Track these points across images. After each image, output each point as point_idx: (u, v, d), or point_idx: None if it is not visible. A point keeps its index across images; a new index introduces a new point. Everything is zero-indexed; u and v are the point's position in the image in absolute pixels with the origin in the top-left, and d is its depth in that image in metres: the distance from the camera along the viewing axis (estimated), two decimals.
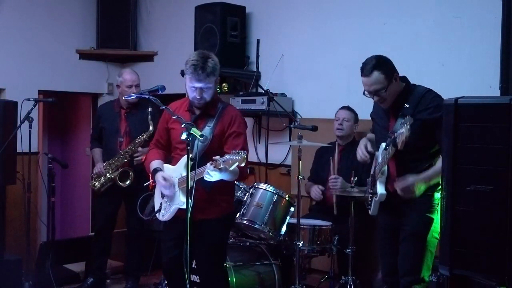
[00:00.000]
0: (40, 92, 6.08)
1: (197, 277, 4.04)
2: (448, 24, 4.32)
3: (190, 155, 3.36)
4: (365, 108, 3.79)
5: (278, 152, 5.30)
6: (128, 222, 5.06)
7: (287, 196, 4.29)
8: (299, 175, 4.05)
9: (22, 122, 4.51)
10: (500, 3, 3.76)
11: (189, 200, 3.13)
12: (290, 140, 5.07)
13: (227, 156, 3.12)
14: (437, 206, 3.31)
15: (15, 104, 4.78)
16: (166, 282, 4.14)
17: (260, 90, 5.22)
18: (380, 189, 3.34)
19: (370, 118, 3.68)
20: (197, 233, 3.27)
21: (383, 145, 3.34)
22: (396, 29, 4.54)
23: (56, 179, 4.75)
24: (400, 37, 4.51)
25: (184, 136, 3.18)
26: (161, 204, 3.61)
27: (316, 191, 4.54)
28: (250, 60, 5.53)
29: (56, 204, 4.69)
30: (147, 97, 3.45)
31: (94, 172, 4.96)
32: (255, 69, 5.43)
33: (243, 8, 5.52)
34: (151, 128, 4.68)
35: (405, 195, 3.23)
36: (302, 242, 4.09)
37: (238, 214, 4.28)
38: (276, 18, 5.43)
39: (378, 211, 3.42)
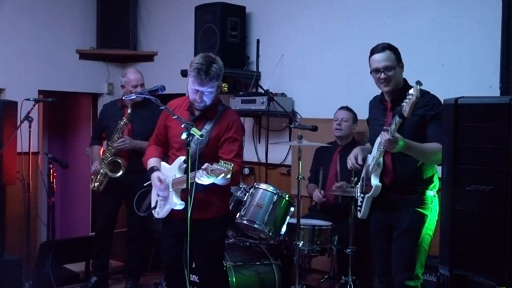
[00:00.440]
0: (40, 92, 6.08)
1: (197, 276, 4.05)
2: (448, 24, 4.32)
3: (184, 158, 3.40)
4: (364, 108, 3.79)
5: (278, 152, 5.31)
6: (129, 222, 5.05)
7: (287, 196, 4.29)
8: (299, 175, 4.05)
9: (22, 122, 4.51)
10: (500, 3, 3.76)
11: (189, 200, 3.13)
12: (290, 140, 5.07)
13: (215, 166, 3.12)
14: (431, 204, 3.33)
15: (15, 104, 4.79)
16: (166, 282, 4.14)
17: (260, 90, 5.22)
18: (375, 180, 3.32)
19: None
20: (194, 233, 3.27)
21: (379, 139, 3.34)
22: (396, 29, 4.54)
23: (56, 179, 4.76)
24: (400, 37, 4.50)
25: (184, 136, 3.18)
26: (157, 201, 3.63)
27: (317, 195, 4.53)
28: (250, 60, 5.53)
29: (56, 204, 4.70)
30: (147, 97, 3.46)
31: (91, 171, 4.97)
32: (255, 69, 5.43)
33: (243, 8, 5.52)
34: (129, 111, 4.70)
35: (387, 146, 3.14)
36: (302, 242, 4.09)
37: (238, 214, 4.28)
38: (276, 18, 5.43)
39: (370, 211, 3.42)
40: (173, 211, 3.51)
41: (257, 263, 4.37)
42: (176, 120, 3.35)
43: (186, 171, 3.32)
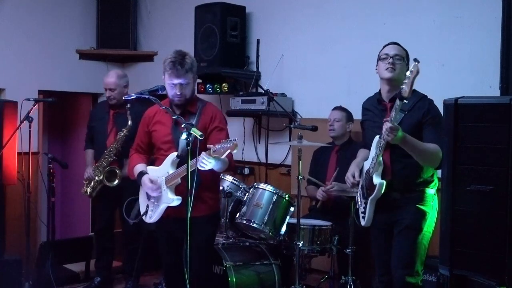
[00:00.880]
0: (40, 92, 6.08)
1: None
2: (448, 24, 4.32)
3: (177, 153, 3.46)
4: None
5: (278, 152, 5.30)
6: (123, 223, 5.07)
7: (287, 196, 4.29)
8: (299, 175, 4.05)
9: (22, 122, 4.51)
10: (500, 3, 3.76)
11: (189, 200, 3.13)
12: (290, 140, 5.07)
13: (217, 146, 3.15)
14: (431, 202, 3.35)
15: (15, 104, 4.79)
16: (165, 282, 4.14)
17: (260, 90, 5.22)
18: (378, 179, 3.31)
19: None
20: (185, 231, 3.26)
21: (377, 138, 3.34)
22: (396, 29, 4.54)
23: (56, 179, 4.76)
24: (400, 37, 4.47)
25: (184, 136, 3.19)
26: (147, 206, 3.61)
27: (321, 193, 4.52)
28: (250, 60, 5.53)
29: (56, 204, 4.70)
30: (147, 97, 3.46)
31: (85, 177, 4.98)
32: (255, 69, 5.43)
33: (243, 8, 5.52)
34: (129, 122, 4.70)
35: (388, 134, 3.13)
36: (302, 242, 4.09)
37: (238, 214, 4.28)
38: (276, 18, 5.43)
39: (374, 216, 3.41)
40: (166, 210, 3.50)
41: (257, 263, 4.37)
42: (162, 121, 3.50)
43: (177, 167, 3.41)
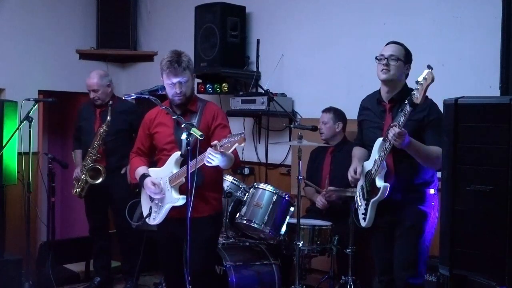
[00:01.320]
0: (40, 92, 6.08)
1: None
2: (448, 24, 4.32)
3: (180, 152, 3.44)
4: None
5: (278, 152, 5.30)
6: (116, 221, 5.09)
7: (287, 196, 4.29)
8: (299, 175, 4.05)
9: (22, 122, 4.51)
10: (500, 3, 3.75)
11: (189, 201, 3.14)
12: (290, 140, 5.07)
13: (224, 140, 3.13)
14: (432, 202, 3.34)
15: (15, 104, 4.79)
16: (165, 282, 4.14)
17: (260, 90, 5.22)
18: (381, 182, 3.30)
19: None
20: (186, 231, 3.26)
21: (379, 142, 3.34)
22: (396, 29, 4.54)
23: (56, 179, 4.77)
24: (400, 37, 4.46)
25: (184, 136, 3.19)
26: (150, 208, 3.60)
27: (321, 201, 4.52)
28: (250, 60, 5.53)
29: (56, 204, 4.71)
30: (147, 97, 3.46)
31: (73, 177, 5.02)
32: (255, 69, 5.43)
33: (243, 8, 5.52)
34: (108, 118, 4.75)
35: (395, 139, 3.11)
36: (302, 242, 4.09)
37: (238, 214, 4.28)
38: (276, 18, 5.43)
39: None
40: (170, 210, 3.50)
41: (257, 263, 4.37)
42: (164, 123, 3.50)
43: (181, 166, 3.39)
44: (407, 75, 3.43)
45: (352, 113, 4.60)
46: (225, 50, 5.30)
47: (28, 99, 4.62)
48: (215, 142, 3.17)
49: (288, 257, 4.39)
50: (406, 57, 3.39)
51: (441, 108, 3.07)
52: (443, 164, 2.86)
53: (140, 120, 4.61)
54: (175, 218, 3.46)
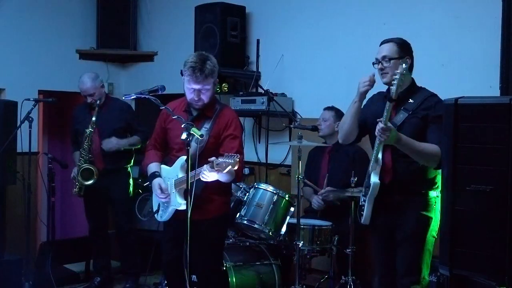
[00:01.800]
0: (40, 92, 6.08)
1: (195, 276, 4.05)
2: (448, 24, 4.32)
3: (186, 157, 3.39)
4: None
5: (278, 152, 5.30)
6: (115, 221, 5.09)
7: (287, 196, 4.29)
8: (299, 175, 4.05)
9: (22, 122, 4.51)
10: (500, 3, 3.76)
11: (189, 201, 3.14)
12: (290, 140, 5.07)
13: (220, 159, 3.12)
14: (434, 205, 3.27)
15: (15, 104, 4.79)
16: (166, 282, 4.14)
17: (260, 90, 5.22)
18: (374, 178, 3.25)
19: None
20: (194, 233, 3.27)
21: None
22: (396, 29, 4.52)
23: (56, 179, 4.77)
24: (400, 37, 4.50)
25: (184, 136, 3.18)
26: (159, 205, 3.62)
27: (317, 202, 4.52)
28: (250, 60, 5.53)
29: (56, 204, 4.71)
30: (147, 97, 3.46)
31: (71, 177, 5.02)
32: (255, 69, 5.43)
33: (243, 8, 5.52)
34: (93, 119, 4.76)
35: (380, 135, 3.09)
36: (302, 242, 4.08)
37: (238, 214, 4.28)
38: (276, 18, 5.43)
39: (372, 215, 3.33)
40: (175, 211, 3.50)
41: (257, 263, 4.37)
42: (176, 121, 3.36)
43: (187, 171, 3.32)
44: (411, 68, 3.35)
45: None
46: (225, 50, 5.30)
47: (28, 99, 4.62)
48: (213, 158, 3.16)
49: (288, 257, 4.39)
50: (400, 53, 3.30)
51: None
52: (443, 164, 2.85)
53: (135, 119, 4.61)
54: (181, 220, 3.44)
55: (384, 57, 3.29)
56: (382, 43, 3.38)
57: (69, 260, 5.48)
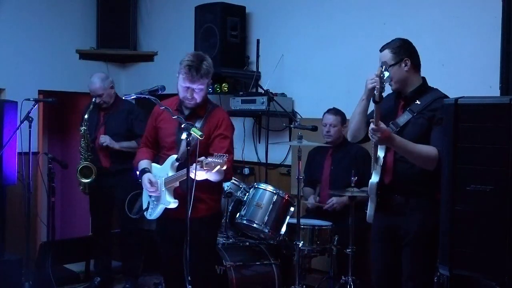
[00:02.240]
0: (40, 92, 6.08)
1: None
2: (448, 24, 4.32)
3: (176, 156, 3.44)
4: None
5: (278, 152, 5.31)
6: (120, 221, 5.09)
7: (287, 196, 4.29)
8: (299, 175, 4.05)
9: (22, 122, 4.51)
10: (500, 3, 3.76)
11: (190, 201, 3.14)
12: (290, 140, 5.07)
13: (209, 159, 3.14)
14: (438, 207, 3.14)
15: (15, 104, 4.79)
16: (164, 282, 4.14)
17: (260, 90, 5.22)
18: (374, 178, 3.23)
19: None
20: (184, 231, 3.26)
21: None
22: (396, 29, 4.53)
23: (56, 179, 4.77)
24: (400, 37, 4.50)
25: (184, 136, 3.19)
26: (148, 203, 3.63)
27: (311, 202, 4.54)
28: (250, 60, 5.53)
29: (56, 204, 4.70)
30: (147, 97, 3.46)
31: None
32: (255, 69, 5.43)
33: (243, 8, 5.52)
34: (86, 116, 4.80)
35: (371, 135, 3.10)
36: (302, 242, 4.09)
37: (238, 214, 4.28)
38: (276, 18, 5.43)
39: (374, 213, 3.31)
40: (166, 210, 3.51)
41: (257, 263, 4.37)
42: (167, 119, 3.44)
43: (177, 170, 3.40)
44: (416, 68, 3.33)
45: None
46: (225, 50, 5.31)
47: (28, 99, 4.62)
48: (202, 158, 3.16)
49: (288, 257, 4.39)
50: (396, 58, 3.26)
51: None
52: (443, 164, 2.85)
53: (140, 123, 4.60)
54: (173, 218, 3.47)
55: (383, 65, 3.26)
56: (380, 49, 3.35)
57: (69, 260, 5.48)
